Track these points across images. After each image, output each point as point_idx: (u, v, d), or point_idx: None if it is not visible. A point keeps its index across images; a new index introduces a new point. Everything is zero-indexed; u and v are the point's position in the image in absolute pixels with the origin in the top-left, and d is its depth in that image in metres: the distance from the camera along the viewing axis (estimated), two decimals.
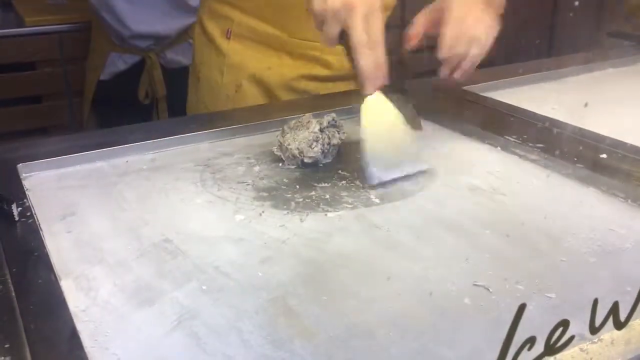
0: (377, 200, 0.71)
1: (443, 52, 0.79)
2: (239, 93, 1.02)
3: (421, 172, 0.76)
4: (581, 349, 0.45)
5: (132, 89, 1.77)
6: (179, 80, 1.17)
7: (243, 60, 1.02)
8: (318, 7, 0.71)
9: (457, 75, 0.81)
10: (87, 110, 1.84)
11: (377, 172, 0.73)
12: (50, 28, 1.90)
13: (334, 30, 0.71)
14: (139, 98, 1.78)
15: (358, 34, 0.69)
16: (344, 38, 0.72)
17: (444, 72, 0.82)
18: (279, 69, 1.02)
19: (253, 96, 1.03)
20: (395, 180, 0.74)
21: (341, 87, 1.05)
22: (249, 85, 1.02)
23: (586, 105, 0.86)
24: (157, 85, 1.77)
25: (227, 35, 1.02)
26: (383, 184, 0.73)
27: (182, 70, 1.60)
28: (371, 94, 0.72)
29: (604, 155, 0.78)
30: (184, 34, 1.74)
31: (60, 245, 0.62)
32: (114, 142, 0.82)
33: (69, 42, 1.92)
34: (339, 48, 1.01)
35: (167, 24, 1.72)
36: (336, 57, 1.01)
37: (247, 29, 1.01)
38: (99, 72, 1.77)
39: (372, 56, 0.70)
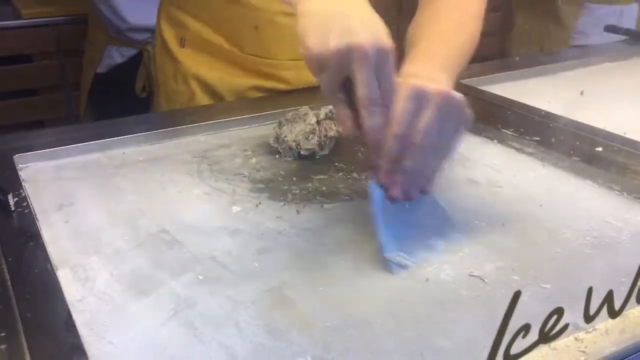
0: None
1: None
2: (193, 102, 1.00)
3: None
4: (576, 338, 0.45)
5: (129, 82, 1.76)
6: None
7: (196, 68, 1.00)
8: (316, 49, 0.55)
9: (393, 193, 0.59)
10: (84, 103, 1.83)
11: (399, 258, 0.58)
12: (47, 20, 1.89)
13: (337, 78, 0.56)
14: (136, 91, 1.78)
15: (368, 87, 0.55)
16: (346, 87, 0.57)
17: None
18: (231, 79, 0.99)
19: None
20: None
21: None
22: (202, 94, 1.00)
23: (582, 93, 0.87)
24: (153, 79, 1.76)
25: (182, 43, 1.00)
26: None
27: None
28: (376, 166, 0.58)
29: (600, 148, 0.79)
30: None
31: (56, 235, 0.62)
32: (110, 133, 0.82)
33: (66, 35, 1.91)
34: (297, 64, 0.96)
35: None
36: (293, 73, 0.99)
37: (201, 39, 0.99)
38: (96, 65, 1.76)
39: (381, 117, 0.56)
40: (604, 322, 0.46)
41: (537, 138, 0.82)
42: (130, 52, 1.75)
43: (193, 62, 1.00)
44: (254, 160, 0.79)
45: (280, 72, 0.99)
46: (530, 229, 0.64)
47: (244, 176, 0.75)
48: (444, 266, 0.58)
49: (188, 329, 0.49)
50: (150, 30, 1.72)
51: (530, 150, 0.81)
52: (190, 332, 0.49)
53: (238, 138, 0.86)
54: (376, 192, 0.58)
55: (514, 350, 0.38)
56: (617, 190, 0.71)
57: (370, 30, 0.55)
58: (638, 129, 0.83)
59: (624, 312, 0.45)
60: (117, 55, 1.75)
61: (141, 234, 0.62)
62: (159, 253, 0.59)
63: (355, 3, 0.58)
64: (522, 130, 0.84)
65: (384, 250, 0.57)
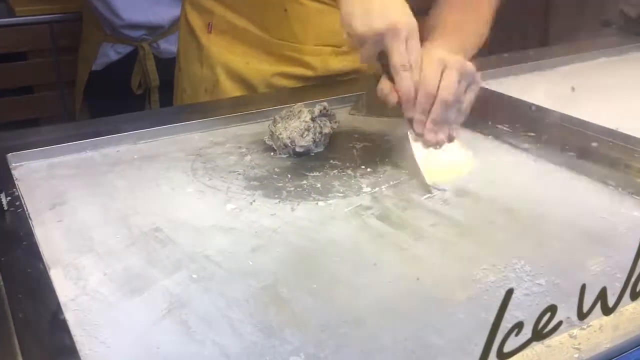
0: (368, 189, 0.71)
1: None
2: (217, 88, 1.00)
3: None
4: (570, 335, 0.45)
5: (124, 79, 1.76)
6: (172, 70, 1.17)
7: (222, 54, 1.00)
8: (361, 29, 0.71)
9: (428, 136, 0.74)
10: (79, 101, 1.82)
11: (437, 179, 0.72)
12: (41, 18, 1.88)
13: (374, 51, 0.72)
14: (132, 88, 1.77)
15: (400, 57, 0.70)
16: (382, 59, 0.72)
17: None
18: (258, 65, 1.00)
19: (231, 91, 1.01)
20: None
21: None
22: (227, 80, 1.00)
23: (573, 89, 0.86)
24: (150, 76, 1.75)
25: (209, 29, 1.01)
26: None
27: (176, 60, 1.59)
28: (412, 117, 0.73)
29: (595, 144, 0.78)
30: (177, 24, 1.73)
31: (49, 234, 0.61)
32: (104, 131, 0.82)
33: (61, 32, 1.90)
34: (322, 49, 0.99)
35: (159, 14, 1.70)
36: (318, 59, 1.00)
37: (228, 24, 0.99)
38: (91, 63, 1.75)
39: (411, 80, 0.70)
40: (598, 319, 0.46)
41: (532, 134, 0.82)
42: (125, 49, 1.74)
43: (219, 47, 1.00)
44: (248, 157, 0.79)
45: (305, 57, 1.00)
46: (524, 225, 0.64)
47: (238, 174, 0.75)
48: (438, 263, 0.58)
49: (181, 327, 0.49)
50: (146, 27, 1.72)
51: (525, 145, 0.81)
52: (184, 331, 0.49)
53: (232, 135, 0.85)
54: (414, 140, 0.73)
55: (507, 348, 0.37)
56: (612, 185, 0.71)
57: (400, 11, 0.71)
58: (632, 124, 0.82)
59: (619, 309, 0.45)
60: (112, 53, 1.75)
61: (134, 233, 0.62)
62: (152, 251, 0.59)
63: None
64: (517, 125, 0.84)
65: (424, 178, 0.71)
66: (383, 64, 0.73)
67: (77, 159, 0.78)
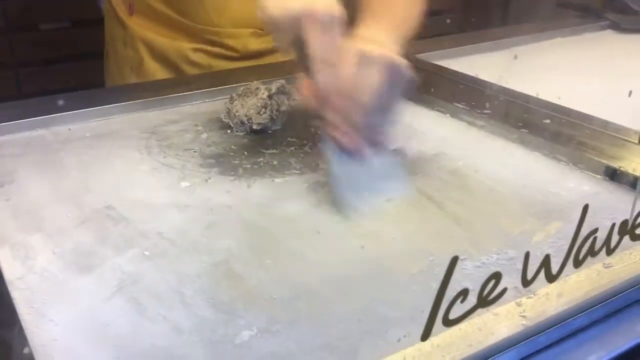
0: (325, 166, 0.70)
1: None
2: (142, 67, 1.00)
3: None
4: (517, 304, 0.46)
5: None
6: None
7: (144, 34, 1.00)
8: (274, 12, 0.63)
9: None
10: None
11: (349, 201, 0.62)
12: None
13: (288, 36, 0.63)
14: None
15: (318, 49, 0.62)
16: (297, 45, 0.63)
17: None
18: (180, 44, 0.99)
19: (155, 70, 1.01)
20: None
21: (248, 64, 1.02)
22: (151, 59, 1.00)
23: (515, 57, 0.88)
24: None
25: (130, 11, 1.00)
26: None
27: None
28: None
29: (548, 121, 0.80)
30: None
31: None
32: (55, 109, 0.79)
33: (14, 10, 1.84)
34: (241, 32, 0.98)
35: None
36: (238, 41, 1.00)
37: (147, 7, 0.99)
38: None
39: (330, 76, 0.62)
40: (545, 288, 0.47)
41: (488, 111, 0.83)
42: None
43: (141, 28, 1.00)
44: (204, 135, 0.78)
45: (225, 40, 0.99)
46: (476, 200, 0.65)
47: (194, 151, 0.74)
48: (394, 239, 0.58)
49: (132, 304, 0.49)
50: None
51: (481, 123, 0.82)
52: (135, 308, 0.48)
53: (188, 114, 0.84)
54: (330, 145, 0.63)
55: (453, 315, 0.38)
56: (564, 161, 0.73)
57: None
58: (585, 102, 0.84)
59: (563, 278, 0.46)
60: None
61: (86, 211, 0.61)
62: (103, 229, 0.58)
63: None
64: (473, 103, 0.85)
65: (334, 194, 0.62)
66: (298, 52, 0.63)
67: (27, 137, 0.76)
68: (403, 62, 0.63)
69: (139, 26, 1.00)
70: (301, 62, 0.63)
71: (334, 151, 0.63)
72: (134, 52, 1.01)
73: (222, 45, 1.00)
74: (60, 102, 0.81)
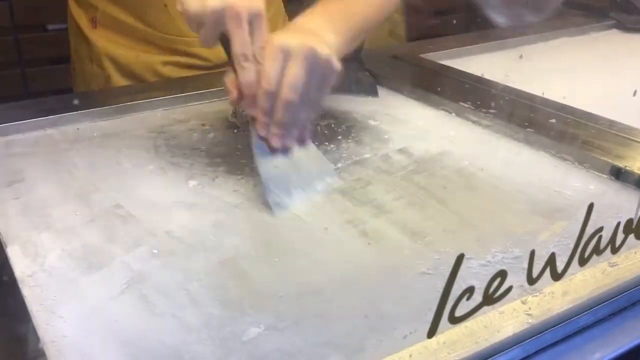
0: (332, 165, 0.71)
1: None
2: (110, 83, 0.97)
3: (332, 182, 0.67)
4: (522, 302, 0.46)
5: None
6: None
7: (109, 48, 0.96)
8: (194, 8, 0.61)
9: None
10: None
11: (280, 199, 0.62)
12: None
13: (212, 33, 0.62)
14: None
15: (241, 44, 0.60)
16: (223, 40, 0.63)
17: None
18: (148, 58, 0.96)
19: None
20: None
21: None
22: (117, 74, 0.96)
23: (521, 57, 0.88)
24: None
25: (93, 24, 0.96)
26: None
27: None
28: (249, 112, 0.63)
29: (553, 120, 0.80)
30: None
31: (6, 211, 0.60)
32: (64, 109, 0.80)
33: (20, 10, 1.85)
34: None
35: None
36: (211, 50, 0.95)
37: (112, 19, 0.95)
38: None
39: (253, 72, 0.61)
40: (550, 286, 0.47)
41: (494, 111, 0.83)
42: None
43: (106, 42, 0.96)
44: (211, 135, 0.78)
45: (193, 49, 0.96)
46: (482, 199, 0.65)
47: (201, 151, 0.74)
48: (399, 237, 0.58)
49: (141, 301, 0.49)
50: None
51: (486, 122, 0.82)
52: (143, 305, 0.49)
53: (196, 113, 0.85)
54: (258, 143, 0.63)
55: (459, 313, 0.38)
56: (570, 161, 0.73)
57: None
58: (590, 101, 0.84)
59: (568, 276, 0.46)
60: None
61: (94, 209, 0.62)
62: (112, 228, 0.59)
63: None
64: (478, 103, 0.85)
65: (265, 193, 0.62)
66: (225, 48, 0.63)
67: (36, 136, 0.76)
68: (326, 52, 0.61)
69: (103, 40, 0.96)
70: (228, 59, 0.63)
71: (261, 149, 0.63)
72: (100, 69, 0.97)
73: (194, 56, 0.97)
74: (68, 102, 0.82)
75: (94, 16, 0.97)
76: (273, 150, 0.63)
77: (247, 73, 0.61)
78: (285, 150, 0.64)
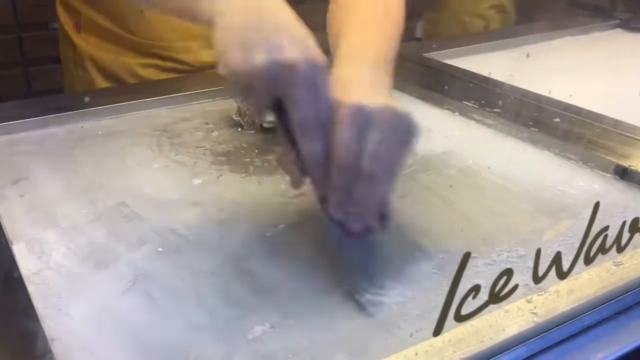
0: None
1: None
2: (94, 87, 0.98)
3: None
4: (527, 301, 0.46)
5: None
6: None
7: (93, 52, 0.98)
8: (238, 67, 0.47)
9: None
10: None
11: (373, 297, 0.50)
12: None
13: (264, 100, 0.48)
14: None
15: (304, 111, 0.47)
16: (274, 106, 0.49)
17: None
18: (130, 60, 0.97)
19: None
20: None
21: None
22: (102, 80, 0.98)
23: (528, 55, 0.87)
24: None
25: (77, 28, 0.98)
26: None
27: None
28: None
29: (558, 119, 0.80)
30: None
31: (11, 209, 0.61)
32: (68, 107, 0.80)
33: (24, 9, 1.85)
34: (189, 46, 0.96)
35: None
36: (188, 55, 0.98)
37: (94, 24, 0.96)
38: None
39: (320, 144, 0.48)
40: (555, 285, 0.48)
41: (498, 110, 0.83)
42: None
43: (89, 46, 0.98)
44: (215, 133, 0.78)
45: (170, 53, 0.97)
46: (487, 198, 0.65)
47: (205, 149, 0.74)
48: (403, 236, 0.58)
49: (147, 299, 0.49)
50: None
51: (490, 121, 0.82)
52: (149, 303, 0.49)
53: (200, 111, 0.85)
54: (331, 229, 0.52)
55: (465, 311, 0.38)
56: (574, 160, 0.73)
57: (300, 42, 0.47)
58: (594, 100, 0.84)
59: (574, 275, 0.46)
60: None
61: (99, 207, 0.62)
62: (117, 226, 0.59)
63: (278, 6, 0.50)
64: (483, 102, 0.85)
65: (354, 290, 0.50)
66: (280, 117, 0.49)
67: (40, 134, 0.76)
68: (407, 113, 0.51)
69: (87, 44, 0.98)
70: (281, 125, 0.50)
71: (337, 235, 0.52)
72: (84, 72, 0.99)
73: (173, 60, 0.98)
74: (72, 100, 0.82)
75: (78, 21, 0.98)
76: (352, 235, 0.51)
77: (314, 144, 0.48)
78: (366, 234, 0.52)
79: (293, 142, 0.49)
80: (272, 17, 0.49)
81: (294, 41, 0.47)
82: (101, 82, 0.98)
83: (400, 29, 0.65)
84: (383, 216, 0.52)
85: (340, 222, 0.51)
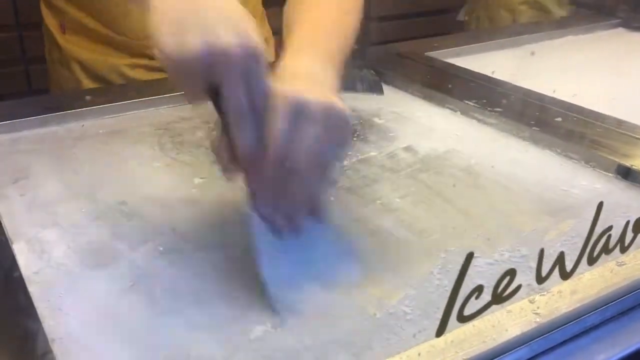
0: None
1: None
2: (80, 88, 0.97)
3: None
4: (530, 301, 0.46)
5: None
6: None
7: (78, 53, 0.96)
8: (172, 53, 0.45)
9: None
10: None
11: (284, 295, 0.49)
12: None
13: (199, 85, 0.46)
14: None
15: (237, 98, 0.46)
16: (210, 93, 0.47)
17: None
18: (115, 60, 0.96)
19: None
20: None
21: None
22: (88, 81, 0.97)
23: (533, 54, 0.87)
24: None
25: (62, 29, 0.96)
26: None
27: None
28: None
29: (560, 119, 0.80)
30: None
31: (12, 208, 0.60)
32: (69, 105, 0.80)
33: (24, 7, 1.85)
34: None
35: None
36: None
37: (79, 24, 0.95)
38: None
39: (253, 135, 0.47)
40: (557, 286, 0.47)
41: (499, 109, 0.83)
42: None
43: (74, 46, 0.96)
44: (216, 132, 0.78)
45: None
46: (489, 198, 0.65)
47: (206, 148, 0.74)
48: (405, 236, 0.58)
49: (147, 298, 0.49)
50: None
51: (492, 121, 0.81)
52: (149, 302, 0.49)
53: (201, 110, 0.84)
54: (258, 224, 0.49)
55: (468, 311, 0.38)
56: (576, 159, 0.72)
57: (236, 27, 0.45)
58: (596, 100, 0.84)
59: (577, 275, 0.46)
60: None
61: (100, 206, 0.61)
62: (118, 225, 0.59)
63: None
64: (484, 101, 0.85)
65: (265, 289, 0.48)
66: (215, 103, 0.48)
67: (41, 133, 0.76)
68: (345, 109, 0.49)
69: (72, 44, 0.96)
70: (219, 115, 0.48)
71: (262, 231, 0.49)
72: (70, 74, 0.97)
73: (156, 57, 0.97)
74: (73, 99, 0.82)
75: (62, 21, 0.97)
76: (279, 233, 0.50)
77: (246, 135, 0.47)
78: (294, 232, 0.50)
79: (228, 130, 0.47)
80: (209, 0, 0.47)
81: (229, 25, 0.45)
82: (87, 84, 0.97)
83: (355, 26, 0.63)
84: (315, 214, 0.50)
85: (267, 218, 0.49)
